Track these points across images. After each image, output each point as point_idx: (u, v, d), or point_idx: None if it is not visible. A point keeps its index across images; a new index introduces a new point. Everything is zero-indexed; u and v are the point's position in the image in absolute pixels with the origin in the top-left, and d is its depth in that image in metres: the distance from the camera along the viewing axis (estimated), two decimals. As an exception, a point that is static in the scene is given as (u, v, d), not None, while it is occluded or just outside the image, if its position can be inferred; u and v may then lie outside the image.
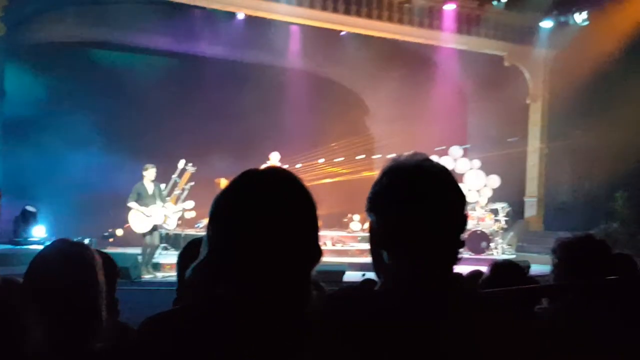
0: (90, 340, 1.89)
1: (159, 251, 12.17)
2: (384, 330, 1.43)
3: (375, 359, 1.40)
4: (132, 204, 11.58)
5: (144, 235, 11.67)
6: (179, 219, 13.10)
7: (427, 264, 1.52)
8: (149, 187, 11.73)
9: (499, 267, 3.28)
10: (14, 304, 1.74)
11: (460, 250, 1.58)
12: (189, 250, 2.30)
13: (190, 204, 12.70)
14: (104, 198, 13.96)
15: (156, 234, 11.83)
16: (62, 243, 2.10)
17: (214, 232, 1.41)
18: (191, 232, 14.23)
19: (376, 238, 1.60)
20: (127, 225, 12.05)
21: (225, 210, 1.42)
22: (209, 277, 1.39)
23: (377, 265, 1.61)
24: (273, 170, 1.46)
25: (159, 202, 11.73)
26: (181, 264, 2.30)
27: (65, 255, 1.99)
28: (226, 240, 1.39)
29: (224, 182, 14.80)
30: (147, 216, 11.59)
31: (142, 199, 11.63)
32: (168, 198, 12.42)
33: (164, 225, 12.26)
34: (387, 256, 1.56)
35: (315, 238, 1.47)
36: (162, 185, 12.44)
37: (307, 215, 1.45)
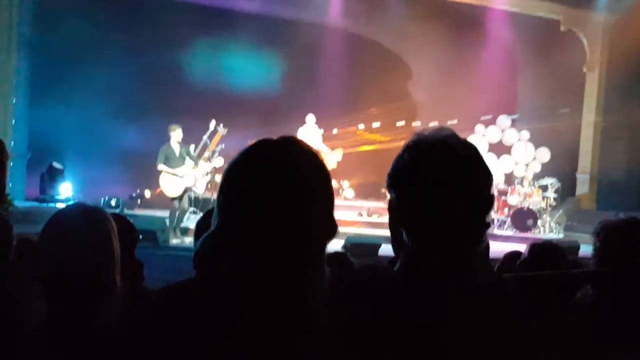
0: (101, 309, 1.93)
1: (187, 215, 12.29)
2: (390, 321, 1.41)
3: (375, 352, 1.39)
4: (161, 167, 11.72)
5: (173, 198, 11.81)
6: (209, 182, 13.16)
7: (448, 247, 1.51)
8: (176, 148, 11.86)
9: (537, 248, 3.23)
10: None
11: (487, 231, 1.56)
12: (205, 219, 2.31)
13: (220, 160, 12.78)
14: (134, 158, 14.18)
15: (186, 197, 11.99)
16: (77, 206, 2.14)
17: (223, 204, 1.41)
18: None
19: (395, 216, 1.59)
20: (158, 189, 12.21)
21: (234, 181, 1.41)
22: (214, 252, 1.39)
23: (396, 244, 1.59)
24: (286, 140, 1.44)
25: (188, 163, 11.84)
26: (197, 234, 2.32)
27: (78, 219, 2.02)
28: (234, 214, 1.38)
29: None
30: (180, 177, 11.72)
31: (169, 161, 11.76)
32: (198, 160, 12.49)
33: (193, 189, 12.37)
34: (406, 236, 1.55)
35: (329, 213, 1.44)
36: (192, 147, 12.53)
37: (321, 189, 1.43)
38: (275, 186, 1.36)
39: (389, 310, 1.42)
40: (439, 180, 1.51)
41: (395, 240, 1.60)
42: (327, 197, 1.44)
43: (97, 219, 2.05)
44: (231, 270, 1.37)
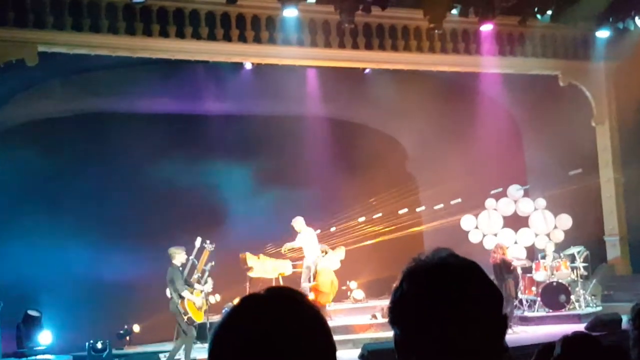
0: None
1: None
2: None
3: None
4: (186, 293, 12.25)
5: (188, 327, 12.31)
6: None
7: None
8: (180, 272, 12.47)
9: (569, 342, 3.43)
10: None
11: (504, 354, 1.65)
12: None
13: (210, 284, 13.15)
14: (117, 290, 14.50)
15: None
16: None
17: None
18: (218, 319, 14.31)
19: (402, 354, 1.66)
20: (187, 315, 12.48)
21: (221, 349, 1.44)
22: None
23: None
24: (276, 296, 1.47)
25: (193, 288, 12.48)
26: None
27: None
28: None
29: (250, 257, 15.20)
30: (198, 306, 12.34)
31: (180, 286, 12.30)
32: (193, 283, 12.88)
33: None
34: None
35: None
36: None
37: (319, 350, 1.44)
38: (267, 355, 1.38)
39: None
40: (442, 311, 1.56)
41: None
42: (325, 356, 1.46)
43: None
44: None
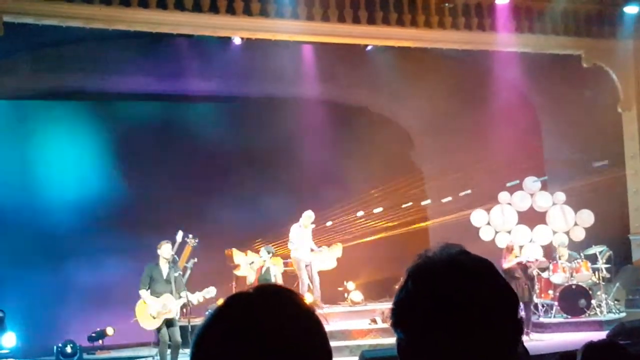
0: None
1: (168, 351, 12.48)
2: None
3: None
4: (142, 292, 12.08)
5: (157, 330, 12.16)
6: (183, 306, 13.27)
7: None
8: (164, 269, 12.27)
9: (594, 350, 3.40)
10: None
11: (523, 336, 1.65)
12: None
13: (212, 290, 12.92)
14: (88, 289, 14.53)
15: (174, 329, 12.24)
16: None
17: None
18: (200, 322, 14.26)
19: None
20: (134, 319, 12.43)
21: (206, 354, 1.44)
22: None
23: None
24: (263, 296, 1.47)
25: (174, 292, 12.16)
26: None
27: None
28: None
29: (237, 254, 15.16)
30: (161, 305, 12.02)
31: (155, 284, 12.12)
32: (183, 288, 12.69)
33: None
34: None
35: None
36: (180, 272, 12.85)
37: (312, 352, 1.44)
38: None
39: None
40: (452, 313, 1.56)
41: None
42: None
43: None
44: None
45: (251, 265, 14.53)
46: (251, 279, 14.19)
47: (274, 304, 1.44)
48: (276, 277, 13.97)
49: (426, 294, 1.60)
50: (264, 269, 14.12)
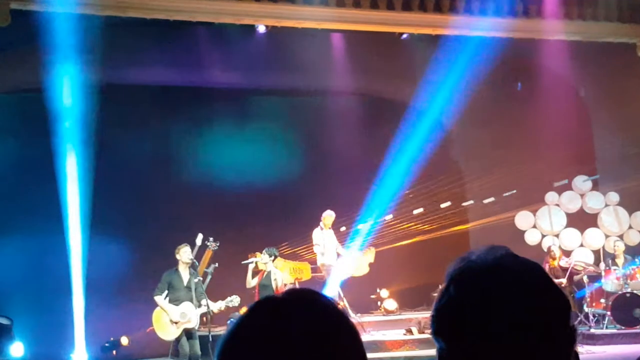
0: None
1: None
2: None
3: None
4: (158, 299, 11.96)
5: (176, 341, 12.04)
6: (203, 315, 13.15)
7: None
8: (184, 275, 12.16)
9: None
10: None
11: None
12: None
13: (235, 299, 12.81)
14: (102, 296, 14.41)
15: (193, 342, 12.19)
16: None
17: None
18: (222, 332, 14.17)
19: None
20: (150, 327, 12.35)
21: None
22: None
23: None
24: (295, 301, 1.46)
25: (194, 300, 12.03)
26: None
27: None
28: None
29: (278, 261, 15.07)
30: (173, 321, 11.89)
31: (174, 291, 12.03)
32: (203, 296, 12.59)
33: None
34: None
35: None
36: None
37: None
38: None
39: None
40: (499, 320, 1.53)
41: None
42: None
43: None
44: None
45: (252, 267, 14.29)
46: (252, 283, 13.93)
47: (305, 310, 1.43)
48: (277, 282, 13.64)
49: (470, 299, 1.57)
50: (264, 273, 13.87)
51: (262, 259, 13.76)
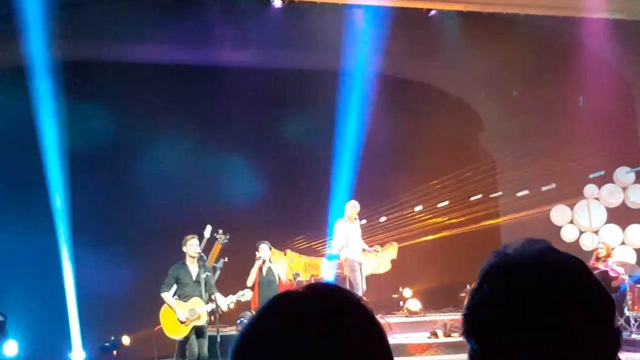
0: None
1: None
2: None
3: None
4: (165, 296, 11.81)
5: (185, 340, 11.87)
6: (210, 312, 13.12)
7: None
8: (192, 269, 12.00)
9: None
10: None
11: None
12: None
13: (247, 294, 12.74)
14: (102, 294, 14.38)
15: (203, 341, 12.04)
16: None
17: None
18: (231, 332, 14.46)
19: None
20: (158, 326, 12.23)
21: None
22: None
23: None
24: (316, 296, 1.45)
25: (204, 295, 11.89)
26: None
27: None
28: None
29: (291, 256, 14.94)
30: (181, 320, 11.78)
31: (182, 286, 11.88)
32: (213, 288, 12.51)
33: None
34: None
35: None
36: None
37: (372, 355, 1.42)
38: None
39: None
40: (537, 320, 1.51)
41: None
42: None
43: None
44: None
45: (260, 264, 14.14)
46: (251, 279, 13.76)
47: (329, 306, 1.42)
48: (279, 278, 13.57)
49: (506, 297, 1.55)
50: (264, 269, 13.73)
51: (260, 254, 13.74)
